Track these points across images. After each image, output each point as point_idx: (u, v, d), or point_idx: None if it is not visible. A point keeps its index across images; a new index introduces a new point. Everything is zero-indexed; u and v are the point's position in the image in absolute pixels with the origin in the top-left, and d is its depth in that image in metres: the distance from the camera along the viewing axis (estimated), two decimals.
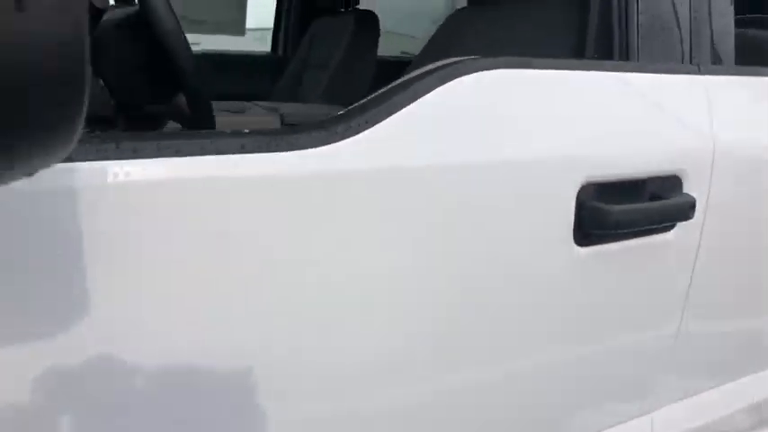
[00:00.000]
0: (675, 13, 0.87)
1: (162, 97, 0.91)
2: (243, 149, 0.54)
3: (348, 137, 0.58)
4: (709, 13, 0.91)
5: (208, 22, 2.42)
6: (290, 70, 2.35)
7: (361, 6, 2.27)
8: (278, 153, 0.55)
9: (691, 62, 0.90)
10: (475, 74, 0.67)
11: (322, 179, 0.57)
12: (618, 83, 0.81)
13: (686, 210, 0.80)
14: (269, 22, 2.51)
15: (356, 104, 0.63)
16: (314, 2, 2.25)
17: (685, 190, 0.84)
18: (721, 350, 1.06)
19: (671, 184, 0.83)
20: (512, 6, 1.28)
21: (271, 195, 0.55)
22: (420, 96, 0.63)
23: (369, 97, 0.65)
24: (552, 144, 0.72)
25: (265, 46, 2.56)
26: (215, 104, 1.59)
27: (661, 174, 0.82)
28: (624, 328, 0.87)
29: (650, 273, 0.86)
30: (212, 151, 0.52)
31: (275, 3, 2.52)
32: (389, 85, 0.66)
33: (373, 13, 2.11)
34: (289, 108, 1.54)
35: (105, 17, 0.84)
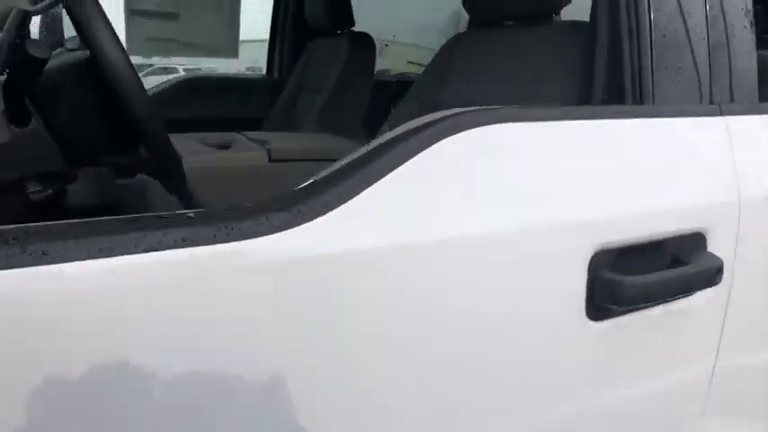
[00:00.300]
0: (692, 49, 0.78)
1: (122, 149, 0.83)
2: (184, 243, 0.45)
3: (314, 218, 0.49)
4: (728, 48, 0.82)
5: (200, 46, 2.35)
6: (286, 93, 2.28)
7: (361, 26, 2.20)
8: (228, 244, 0.46)
9: (711, 102, 0.80)
10: (465, 132, 0.58)
11: (281, 273, 0.48)
12: (631, 131, 0.72)
13: (712, 275, 0.70)
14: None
15: (326, 174, 0.54)
16: (308, 25, 2.17)
17: (710, 248, 0.74)
18: (752, 412, 0.95)
19: (694, 242, 0.73)
20: (513, 34, 1.19)
21: (221, 300, 0.46)
22: (404, 161, 0.54)
23: (342, 163, 0.56)
24: (558, 208, 0.62)
25: None
26: (201, 136, 1.52)
27: (682, 233, 0.72)
28: (648, 398, 0.77)
29: (674, 339, 0.76)
30: (144, 247, 0.43)
31: (269, 24, 2.46)
32: (368, 147, 0.58)
33: (368, 36, 2.03)
34: (278, 141, 1.46)
35: (52, 63, 0.76)
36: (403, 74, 2.97)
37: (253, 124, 2.38)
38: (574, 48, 1.00)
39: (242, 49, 2.46)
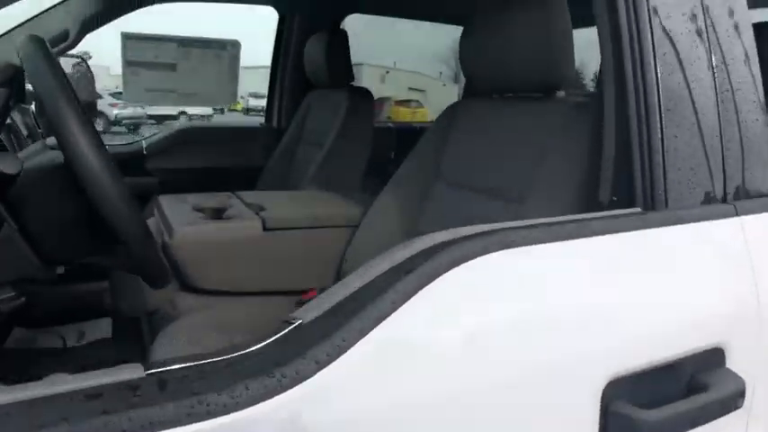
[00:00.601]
0: (705, 148, 0.74)
1: (100, 250, 0.78)
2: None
3: (297, 383, 0.44)
4: (742, 144, 0.78)
5: (199, 96, 2.33)
6: (284, 144, 2.26)
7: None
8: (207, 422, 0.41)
9: (725, 201, 0.76)
10: (461, 266, 0.53)
11: None
12: (644, 242, 0.67)
13: (734, 400, 0.65)
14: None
15: (313, 317, 0.49)
16: (308, 79, 2.17)
17: (729, 363, 0.69)
18: None
19: (712, 358, 0.68)
20: (514, 106, 1.16)
21: None
22: (396, 308, 0.50)
23: (333, 300, 0.51)
24: (566, 339, 0.58)
25: None
26: (196, 200, 1.49)
27: (700, 349, 0.67)
28: None
29: None
30: None
31: (269, 74, 2.45)
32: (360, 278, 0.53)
33: (368, 91, 2.02)
34: (272, 207, 1.42)
35: (29, 164, 0.72)
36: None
37: (251, 173, 2.36)
38: (578, 130, 0.97)
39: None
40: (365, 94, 2.00)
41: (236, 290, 1.34)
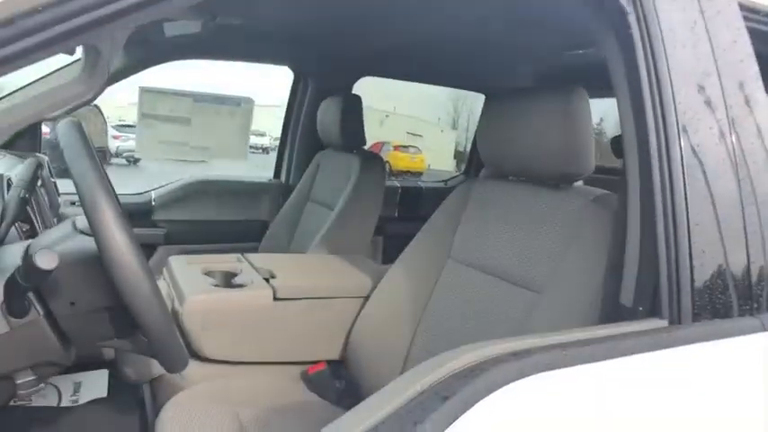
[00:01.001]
0: (728, 261, 0.75)
1: (124, 334, 0.78)
2: None
3: None
4: (765, 255, 0.79)
5: (211, 149, 2.36)
6: (293, 200, 2.27)
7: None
8: None
9: (751, 314, 0.77)
10: (497, 392, 0.53)
11: None
12: (672, 359, 0.67)
13: None
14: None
15: None
16: (319, 138, 2.20)
17: None
18: None
19: None
20: (530, 193, 1.17)
21: None
22: None
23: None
24: None
25: None
26: (206, 263, 1.48)
27: None
28: None
29: None
30: None
31: (280, 132, 2.49)
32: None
33: (379, 156, 2.04)
34: (282, 273, 1.42)
35: (60, 248, 0.72)
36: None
37: (257, 227, 2.36)
38: (599, 225, 0.98)
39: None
40: (376, 158, 2.03)
41: (244, 359, 1.32)
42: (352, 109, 2.03)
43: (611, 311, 0.84)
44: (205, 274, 1.42)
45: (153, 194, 2.27)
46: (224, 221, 2.38)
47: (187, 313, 1.22)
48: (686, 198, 0.73)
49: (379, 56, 2.18)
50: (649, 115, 0.75)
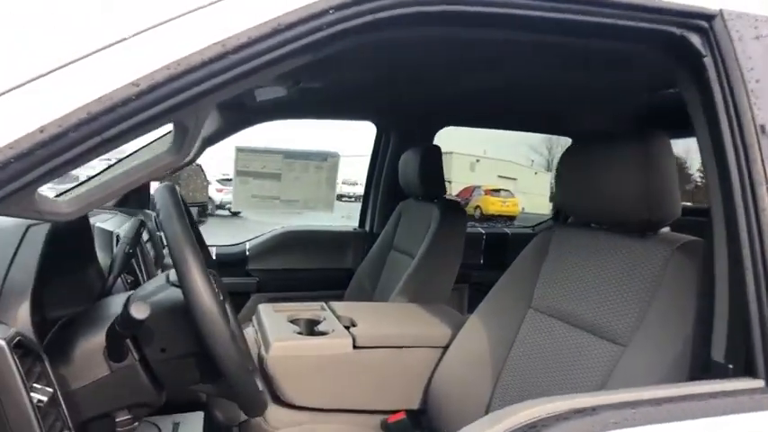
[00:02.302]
0: None
1: (207, 378, 0.83)
2: None
3: None
4: None
5: (300, 202, 2.49)
6: (376, 249, 2.32)
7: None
8: None
9: None
10: None
11: None
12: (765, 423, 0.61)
13: None
14: None
15: None
16: (401, 188, 2.25)
17: None
18: None
19: None
20: (613, 240, 1.13)
21: None
22: None
23: None
24: None
25: None
26: (292, 311, 1.55)
27: None
28: None
29: None
30: None
31: (364, 183, 2.58)
32: None
33: (459, 204, 2.06)
34: (363, 321, 1.45)
35: (154, 300, 0.80)
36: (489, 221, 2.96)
37: (342, 275, 2.43)
38: (685, 275, 0.92)
39: None
40: (457, 207, 2.04)
41: (326, 406, 1.35)
42: (432, 159, 2.07)
43: (701, 368, 0.78)
44: (290, 321, 1.49)
45: (247, 245, 2.42)
46: (312, 270, 2.47)
47: (271, 359, 1.28)
48: None
49: (460, 105, 2.23)
50: (732, 163, 0.72)
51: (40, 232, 0.75)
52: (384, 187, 2.50)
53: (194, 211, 2.21)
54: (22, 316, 0.67)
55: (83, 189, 0.66)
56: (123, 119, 0.54)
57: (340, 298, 2.25)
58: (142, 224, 1.12)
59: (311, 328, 1.47)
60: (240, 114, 2.11)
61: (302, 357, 1.32)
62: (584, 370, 1.06)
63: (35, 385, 0.60)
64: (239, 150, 2.34)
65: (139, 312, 0.70)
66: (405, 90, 2.03)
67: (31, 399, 0.57)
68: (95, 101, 0.52)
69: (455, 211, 2.01)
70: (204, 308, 0.72)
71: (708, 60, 0.75)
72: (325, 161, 2.45)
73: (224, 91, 0.60)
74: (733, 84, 0.73)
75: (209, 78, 0.58)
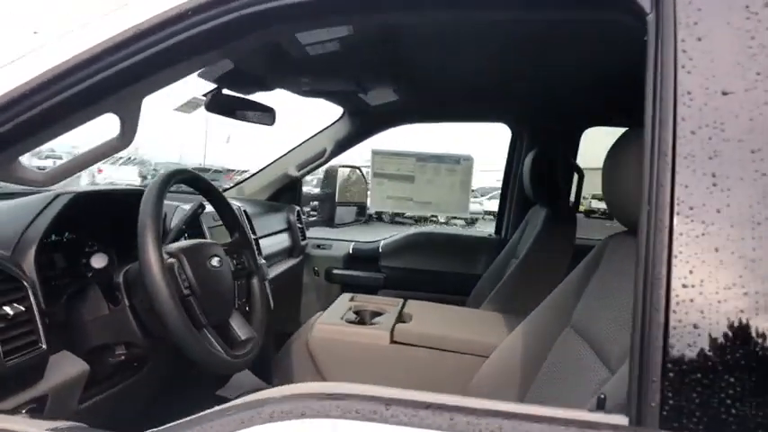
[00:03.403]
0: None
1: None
2: None
3: None
4: None
5: (433, 204, 2.53)
6: (502, 255, 2.24)
7: None
8: None
9: None
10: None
11: None
12: None
13: None
14: None
15: None
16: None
17: None
18: None
19: None
20: None
21: None
22: None
23: None
24: None
25: None
26: (370, 298, 1.61)
27: None
28: None
29: None
30: None
31: (500, 191, 2.50)
32: None
33: (571, 210, 1.86)
34: (414, 322, 1.44)
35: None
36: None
37: (468, 280, 2.39)
38: None
39: None
40: (564, 212, 1.85)
41: None
42: (552, 164, 1.91)
43: None
44: (354, 312, 1.56)
45: (381, 243, 2.55)
46: (441, 272, 2.49)
47: (312, 339, 1.38)
48: None
49: (607, 103, 2.01)
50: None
51: (62, 200, 0.98)
52: (518, 193, 2.39)
53: (352, 210, 2.44)
54: (29, 260, 0.89)
55: (55, 166, 0.85)
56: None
57: (463, 303, 2.22)
58: (200, 206, 1.31)
59: (369, 320, 1.52)
60: (369, 119, 2.25)
61: (341, 342, 1.38)
62: (581, 392, 0.90)
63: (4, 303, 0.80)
64: (375, 153, 2.49)
65: (97, 262, 0.87)
66: (544, 89, 1.92)
67: None
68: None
69: (563, 216, 1.83)
70: (148, 270, 0.86)
71: (651, 18, 0.60)
72: (459, 164, 2.45)
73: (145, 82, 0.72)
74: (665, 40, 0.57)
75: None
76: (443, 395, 0.55)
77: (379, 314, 1.55)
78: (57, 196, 0.98)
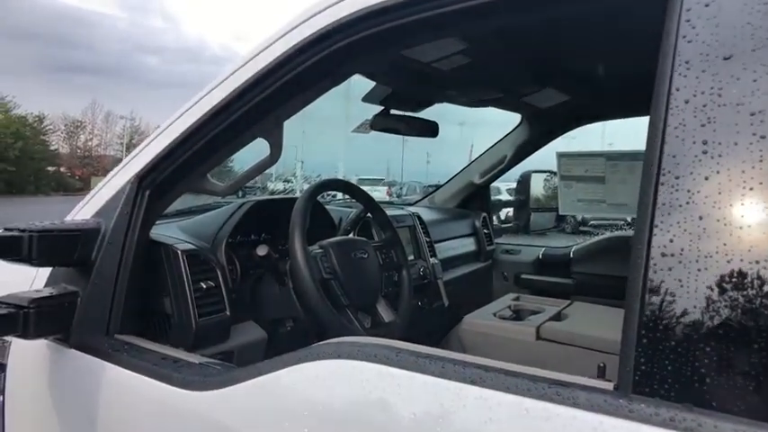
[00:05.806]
0: None
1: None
2: None
3: None
4: None
5: (629, 205, 2.36)
6: None
7: None
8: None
9: None
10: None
11: None
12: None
13: None
14: None
15: None
16: None
17: None
18: None
19: None
20: None
21: None
22: None
23: None
24: None
25: None
26: (537, 299, 1.63)
27: None
28: None
29: None
30: None
31: None
32: None
33: None
34: (565, 322, 1.42)
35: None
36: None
37: None
38: None
39: None
40: None
41: None
42: None
43: None
44: (513, 310, 1.60)
45: (573, 248, 2.48)
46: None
47: (461, 331, 1.48)
48: None
49: None
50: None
51: (245, 208, 1.29)
52: None
53: (548, 216, 2.46)
54: (221, 251, 1.21)
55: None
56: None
57: None
58: (364, 212, 1.53)
59: (524, 317, 1.55)
60: (545, 122, 2.25)
61: (488, 335, 1.45)
62: None
63: (200, 278, 1.11)
64: (561, 156, 2.44)
65: (261, 251, 1.14)
66: None
67: (190, 284, 1.08)
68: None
69: None
70: (293, 257, 1.10)
71: None
72: None
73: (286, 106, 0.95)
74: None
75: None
76: (445, 351, 0.64)
77: (537, 313, 1.56)
78: (241, 205, 1.30)
